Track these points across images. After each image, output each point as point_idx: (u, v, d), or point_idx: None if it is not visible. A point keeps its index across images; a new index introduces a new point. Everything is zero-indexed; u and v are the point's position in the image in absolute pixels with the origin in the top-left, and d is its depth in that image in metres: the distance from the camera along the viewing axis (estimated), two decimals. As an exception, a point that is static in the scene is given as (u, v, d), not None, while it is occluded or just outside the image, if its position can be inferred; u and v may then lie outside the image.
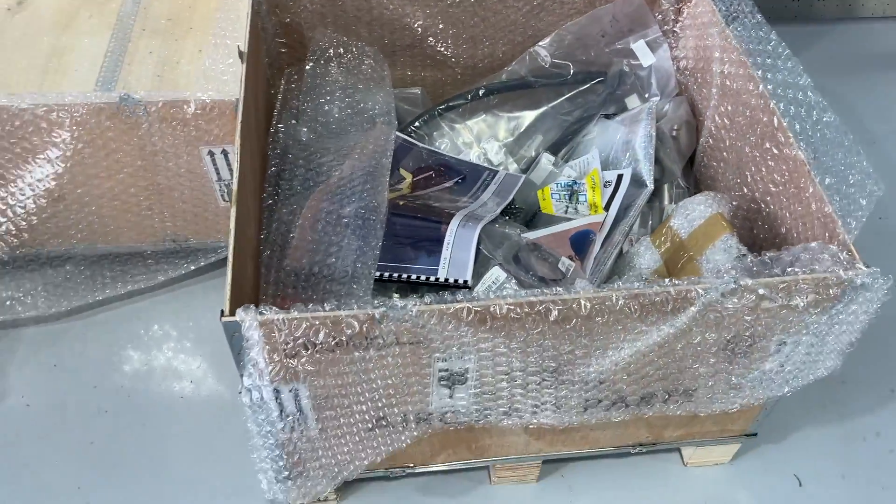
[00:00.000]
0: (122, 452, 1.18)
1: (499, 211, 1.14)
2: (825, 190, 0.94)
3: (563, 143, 1.30)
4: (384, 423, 0.93)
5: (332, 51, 1.26)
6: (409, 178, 1.20)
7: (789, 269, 0.87)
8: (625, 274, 1.12)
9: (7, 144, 1.14)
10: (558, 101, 1.34)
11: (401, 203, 1.12)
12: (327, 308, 0.79)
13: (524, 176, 1.24)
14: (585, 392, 0.94)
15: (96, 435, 1.19)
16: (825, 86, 1.10)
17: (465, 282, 1.01)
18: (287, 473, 0.95)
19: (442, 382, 0.89)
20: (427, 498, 1.15)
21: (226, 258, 0.85)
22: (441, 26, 1.33)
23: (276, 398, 0.85)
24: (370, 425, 0.93)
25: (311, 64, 1.25)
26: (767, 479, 1.19)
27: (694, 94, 1.32)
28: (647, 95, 1.35)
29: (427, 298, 0.80)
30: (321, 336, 0.79)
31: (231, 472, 1.15)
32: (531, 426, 0.99)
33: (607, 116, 1.31)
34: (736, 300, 0.84)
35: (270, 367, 0.81)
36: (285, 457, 0.92)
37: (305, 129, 1.19)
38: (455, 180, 1.22)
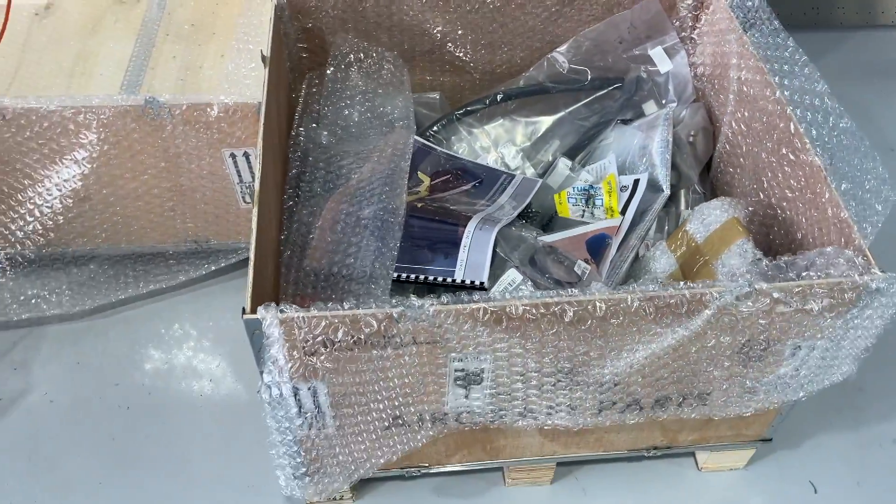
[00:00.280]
0: (142, 448, 1.20)
1: (515, 214, 1.15)
2: (841, 195, 0.94)
3: (580, 148, 1.31)
4: (400, 421, 0.94)
5: (352, 56, 1.28)
6: (426, 181, 1.21)
7: (804, 274, 0.87)
8: (640, 278, 1.13)
9: (35, 145, 1.17)
10: (576, 106, 1.35)
11: (419, 205, 1.14)
12: (346, 307, 0.80)
13: (541, 180, 1.25)
14: (600, 394, 0.94)
15: (117, 431, 1.22)
16: (844, 93, 1.11)
17: (482, 283, 1.02)
18: (304, 470, 0.96)
19: (458, 382, 0.90)
20: (442, 499, 1.16)
21: (245, 259, 0.87)
22: (460, 32, 1.34)
23: (295, 395, 0.87)
24: (386, 423, 0.94)
25: (331, 68, 1.27)
26: (783, 485, 1.19)
27: (711, 101, 1.32)
28: (664, 101, 1.35)
29: (444, 298, 0.81)
30: (340, 334, 0.80)
31: (248, 470, 1.17)
32: (546, 427, 0.99)
33: (624, 122, 1.32)
34: (750, 303, 0.85)
35: (290, 364, 0.83)
36: (303, 453, 0.94)
37: (326, 133, 1.21)
38: (472, 184, 1.23)
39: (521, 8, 1.32)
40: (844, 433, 1.24)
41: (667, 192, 1.19)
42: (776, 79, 1.09)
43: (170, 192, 1.27)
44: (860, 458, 1.22)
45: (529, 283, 1.03)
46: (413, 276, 1.04)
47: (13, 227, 1.24)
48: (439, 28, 1.33)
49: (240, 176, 1.25)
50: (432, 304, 0.80)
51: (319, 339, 0.81)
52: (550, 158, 1.32)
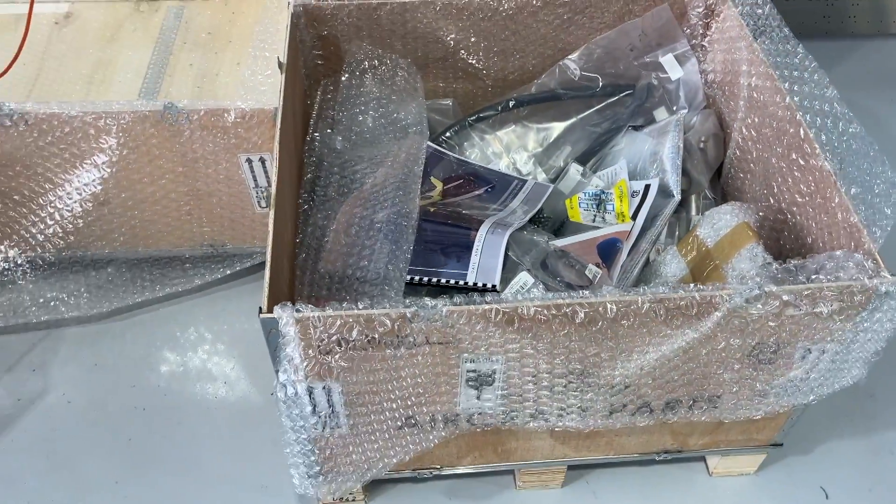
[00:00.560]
0: (158, 449, 1.21)
1: (527, 219, 1.16)
2: (851, 200, 0.95)
3: (592, 154, 1.32)
4: (413, 422, 0.95)
5: (367, 63, 1.30)
6: (439, 186, 1.23)
7: (814, 277, 0.88)
8: (651, 282, 1.13)
9: (56, 150, 1.19)
10: (587, 112, 1.36)
11: (431, 210, 1.15)
12: (361, 306, 0.81)
13: (552, 185, 1.26)
14: (611, 396, 0.95)
15: (133, 432, 1.23)
16: (855, 100, 1.11)
17: (494, 286, 1.03)
18: (318, 469, 0.97)
19: (470, 383, 0.91)
20: (453, 501, 1.17)
21: (260, 264, 0.88)
22: (473, 40, 1.36)
23: (310, 394, 0.88)
24: (399, 423, 0.95)
25: (346, 75, 1.29)
26: (793, 490, 1.19)
27: (721, 107, 1.33)
28: (675, 108, 1.36)
29: (457, 299, 0.82)
30: (354, 333, 0.82)
31: (261, 470, 1.18)
32: (557, 430, 1.00)
33: (635, 128, 1.33)
34: (760, 306, 0.85)
35: (305, 363, 0.84)
36: (317, 452, 0.95)
37: (340, 138, 1.22)
38: (484, 189, 1.24)
39: (533, 16, 1.33)
40: (856, 439, 1.24)
41: (677, 197, 1.20)
42: (786, 85, 1.10)
43: (187, 196, 1.29)
44: (872, 464, 1.22)
45: (541, 286, 1.04)
46: (426, 278, 1.05)
47: (34, 231, 1.26)
48: (452, 36, 1.34)
49: (255, 181, 1.27)
50: (445, 305, 0.82)
51: (334, 338, 0.82)
52: (562, 164, 1.33)
